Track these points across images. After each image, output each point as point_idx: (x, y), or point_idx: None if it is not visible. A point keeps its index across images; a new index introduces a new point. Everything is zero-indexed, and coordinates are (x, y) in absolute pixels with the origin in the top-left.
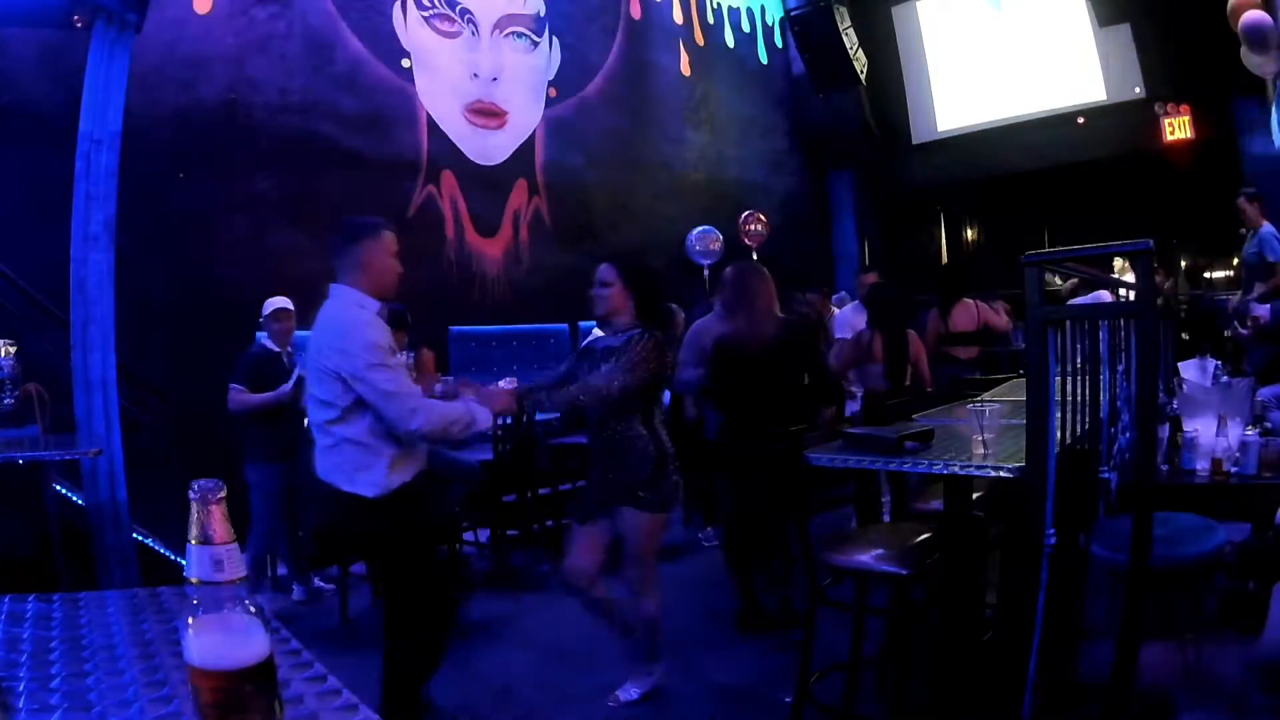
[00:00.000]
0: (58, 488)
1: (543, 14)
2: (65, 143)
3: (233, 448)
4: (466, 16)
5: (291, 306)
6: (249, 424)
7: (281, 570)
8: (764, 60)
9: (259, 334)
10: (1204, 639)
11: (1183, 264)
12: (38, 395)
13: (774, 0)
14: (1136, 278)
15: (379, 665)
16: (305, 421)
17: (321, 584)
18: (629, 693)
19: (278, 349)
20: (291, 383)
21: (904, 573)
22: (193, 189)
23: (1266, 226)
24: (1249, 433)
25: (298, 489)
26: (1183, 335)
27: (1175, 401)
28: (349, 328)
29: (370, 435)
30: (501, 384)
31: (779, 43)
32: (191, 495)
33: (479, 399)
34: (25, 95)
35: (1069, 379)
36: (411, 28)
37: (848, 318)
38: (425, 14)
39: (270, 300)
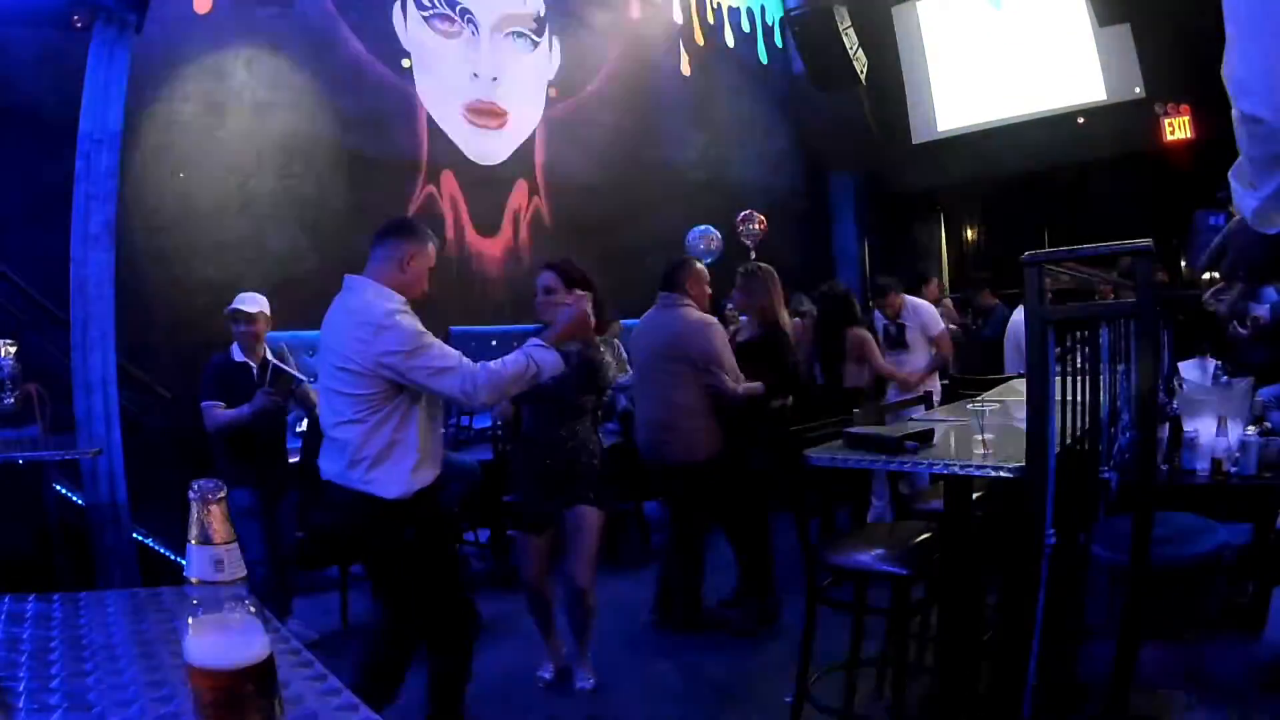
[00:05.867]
0: (58, 488)
1: (543, 14)
2: (65, 143)
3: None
4: (466, 16)
5: (266, 307)
6: (217, 443)
7: None
8: (764, 60)
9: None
10: (1204, 639)
11: (1182, 264)
12: (38, 395)
13: (774, 0)
14: (1137, 278)
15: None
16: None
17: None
18: (587, 681)
19: (244, 359)
20: (268, 381)
21: (904, 573)
22: (192, 189)
23: None
24: (1249, 433)
25: (276, 510)
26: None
27: (1175, 401)
28: (380, 319)
29: (397, 433)
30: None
31: (779, 43)
32: (191, 495)
33: (544, 341)
34: (25, 95)
35: (1069, 379)
36: (411, 28)
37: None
38: (425, 14)
39: (242, 296)
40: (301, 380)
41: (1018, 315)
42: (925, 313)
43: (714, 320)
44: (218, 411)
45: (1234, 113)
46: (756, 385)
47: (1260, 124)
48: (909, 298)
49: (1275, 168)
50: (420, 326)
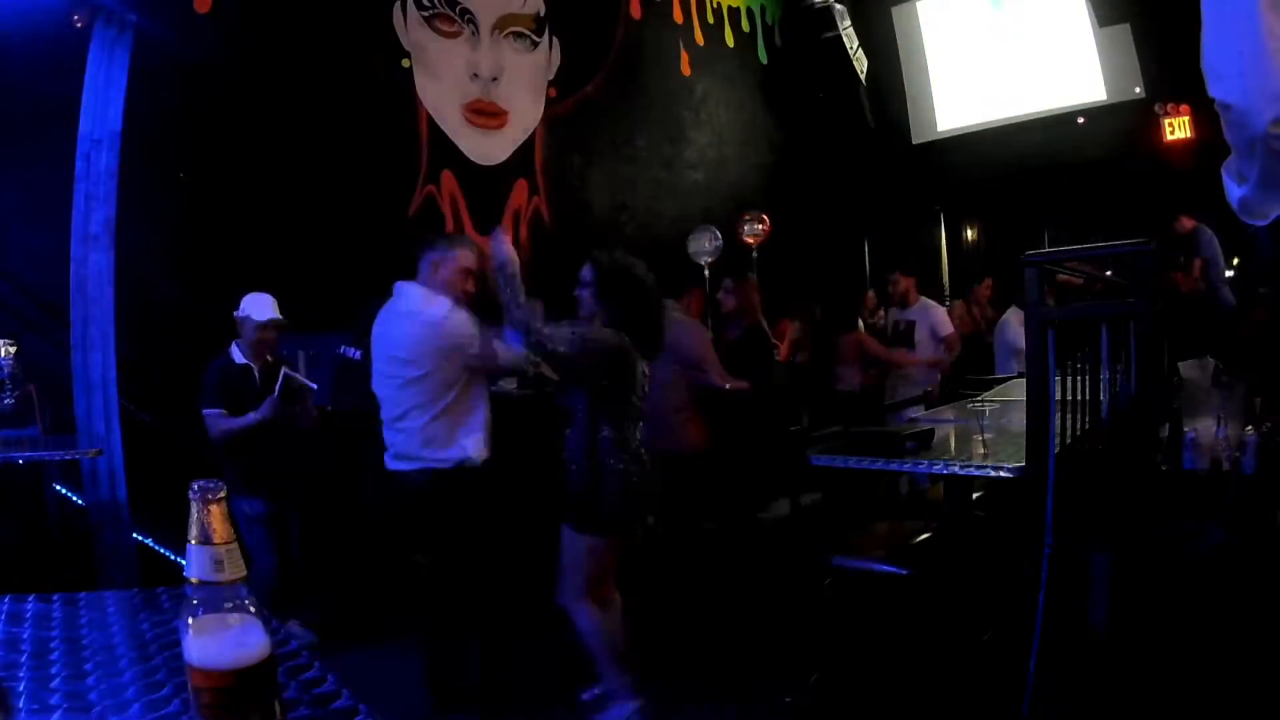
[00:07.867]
0: (58, 488)
1: (543, 14)
2: (65, 143)
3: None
4: (466, 16)
5: (281, 317)
6: (221, 451)
7: None
8: (764, 60)
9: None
10: (1201, 638)
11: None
12: (37, 395)
13: (774, 0)
14: (1136, 277)
15: (379, 665)
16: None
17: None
18: (614, 714)
19: (245, 362)
20: (277, 391)
21: (904, 573)
22: (193, 189)
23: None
24: (1249, 433)
25: (285, 515)
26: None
27: (1175, 402)
28: (433, 328)
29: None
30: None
31: (779, 42)
32: (191, 495)
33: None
34: (25, 95)
35: (1069, 378)
36: (411, 28)
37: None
38: (425, 14)
39: (256, 299)
40: (314, 388)
41: (1009, 316)
42: (935, 312)
43: (696, 322)
44: (222, 420)
45: (1216, 104)
46: (743, 383)
47: (1230, 109)
48: (924, 299)
49: (1252, 156)
50: (469, 335)
